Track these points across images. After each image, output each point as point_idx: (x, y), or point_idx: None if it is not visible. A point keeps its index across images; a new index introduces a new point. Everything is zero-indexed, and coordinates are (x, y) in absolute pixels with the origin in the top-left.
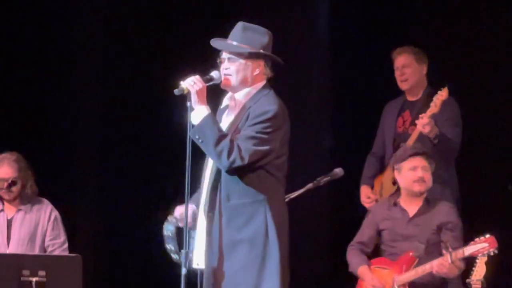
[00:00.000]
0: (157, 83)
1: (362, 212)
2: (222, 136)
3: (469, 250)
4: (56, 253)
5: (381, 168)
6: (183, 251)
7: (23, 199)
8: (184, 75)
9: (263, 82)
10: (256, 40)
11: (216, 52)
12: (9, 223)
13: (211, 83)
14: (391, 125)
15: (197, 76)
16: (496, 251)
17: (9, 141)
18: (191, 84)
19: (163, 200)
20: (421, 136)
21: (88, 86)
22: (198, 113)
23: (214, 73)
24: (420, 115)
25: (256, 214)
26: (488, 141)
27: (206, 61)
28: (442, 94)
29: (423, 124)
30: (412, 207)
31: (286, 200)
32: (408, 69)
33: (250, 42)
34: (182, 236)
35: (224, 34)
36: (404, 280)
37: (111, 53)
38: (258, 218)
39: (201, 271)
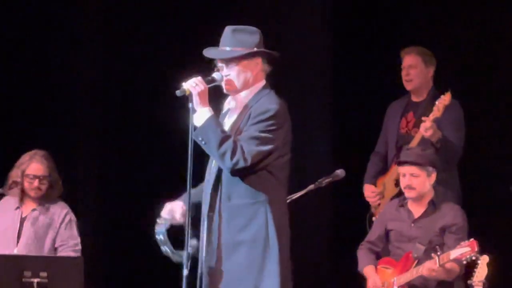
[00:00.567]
0: (158, 84)
1: (363, 213)
2: (225, 137)
3: (455, 253)
4: (65, 254)
5: (385, 167)
6: (184, 252)
7: (45, 199)
8: (186, 77)
9: (263, 82)
10: (248, 40)
11: None
12: (22, 221)
13: (212, 84)
14: (394, 126)
15: (199, 78)
16: (477, 255)
17: (9, 141)
18: (193, 85)
19: (164, 201)
20: (423, 139)
21: (89, 86)
22: (200, 114)
23: (216, 75)
24: (423, 118)
25: (257, 215)
26: (490, 143)
27: (207, 62)
28: (445, 99)
29: (426, 128)
30: (418, 209)
31: (288, 201)
32: (414, 69)
33: (242, 43)
34: (178, 234)
35: None
36: (403, 280)
37: (112, 53)
38: (259, 219)
39: (201, 272)
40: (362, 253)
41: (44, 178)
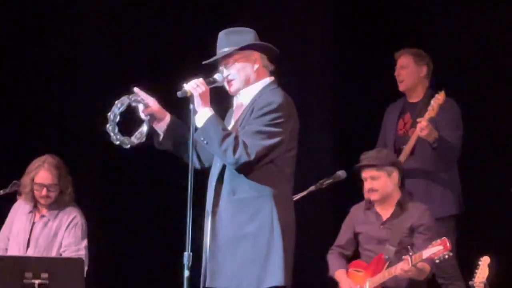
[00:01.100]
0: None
1: None
2: (226, 135)
3: (427, 252)
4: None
5: None
6: (185, 253)
7: (57, 205)
8: (187, 78)
9: (269, 78)
10: (242, 39)
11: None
12: (33, 226)
13: (214, 85)
14: (392, 127)
15: (200, 79)
16: (450, 254)
17: (11, 142)
18: (194, 86)
19: (165, 201)
20: (420, 139)
21: (91, 87)
22: (202, 115)
23: (217, 76)
24: (418, 119)
25: (262, 209)
26: (491, 143)
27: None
28: (439, 98)
29: (421, 128)
30: (385, 211)
31: None
32: (405, 70)
33: (237, 43)
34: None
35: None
36: (375, 282)
37: (113, 53)
38: (264, 213)
39: (205, 266)
40: (333, 257)
41: (52, 186)
